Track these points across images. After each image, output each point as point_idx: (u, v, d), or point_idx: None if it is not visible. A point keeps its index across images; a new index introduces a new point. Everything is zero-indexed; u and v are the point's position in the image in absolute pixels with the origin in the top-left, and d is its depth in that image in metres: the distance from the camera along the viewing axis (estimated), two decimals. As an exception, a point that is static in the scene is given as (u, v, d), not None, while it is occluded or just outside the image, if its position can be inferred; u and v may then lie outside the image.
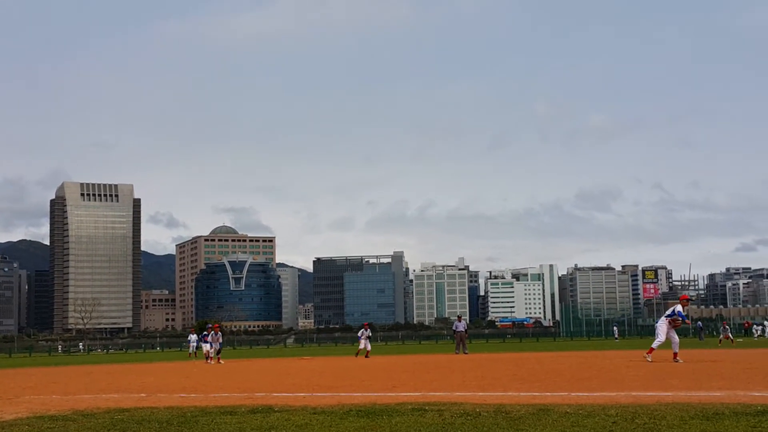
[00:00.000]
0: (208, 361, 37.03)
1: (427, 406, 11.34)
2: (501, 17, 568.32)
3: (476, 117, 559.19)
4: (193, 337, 55.61)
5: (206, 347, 38.40)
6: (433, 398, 12.81)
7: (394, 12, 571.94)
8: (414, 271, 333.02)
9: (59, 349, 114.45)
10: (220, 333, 38.40)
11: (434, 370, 24.05)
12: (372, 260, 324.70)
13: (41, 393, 15.92)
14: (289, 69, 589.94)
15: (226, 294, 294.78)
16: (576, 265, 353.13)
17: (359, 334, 43.48)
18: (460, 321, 42.36)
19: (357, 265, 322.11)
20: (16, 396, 15.58)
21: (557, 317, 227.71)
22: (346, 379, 19.57)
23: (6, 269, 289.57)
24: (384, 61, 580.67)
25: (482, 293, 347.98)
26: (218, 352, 37.64)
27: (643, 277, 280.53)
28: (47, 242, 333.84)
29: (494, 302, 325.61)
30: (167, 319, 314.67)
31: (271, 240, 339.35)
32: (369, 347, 41.02)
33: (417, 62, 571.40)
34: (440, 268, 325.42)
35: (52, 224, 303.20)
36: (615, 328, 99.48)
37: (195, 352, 52.19)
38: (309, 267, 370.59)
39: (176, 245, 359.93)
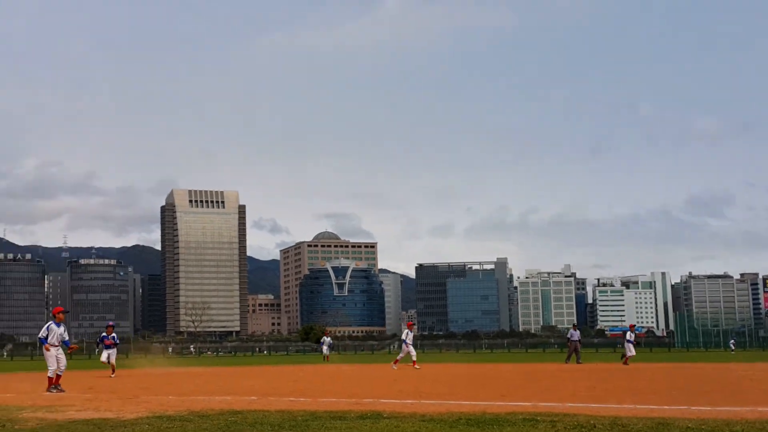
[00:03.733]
0: None
1: (538, 416, 11.09)
2: (603, 18, 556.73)
3: (578, 120, 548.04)
4: (327, 339, 55.81)
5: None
6: (544, 408, 12.53)
7: (492, 18, 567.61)
8: (518, 278, 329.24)
9: (170, 350, 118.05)
10: None
11: (544, 379, 23.62)
12: (475, 266, 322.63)
13: (158, 393, 16.38)
14: (389, 76, 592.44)
15: (329, 299, 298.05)
16: (690, 272, 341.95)
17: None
18: (575, 330, 41.47)
19: (460, 271, 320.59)
20: (135, 396, 16.07)
21: (671, 327, 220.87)
22: (453, 387, 19.41)
23: (121, 273, 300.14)
24: (482, 65, 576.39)
25: (590, 301, 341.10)
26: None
27: (764, 285, 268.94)
28: (158, 247, 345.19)
29: (603, 310, 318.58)
30: (273, 324, 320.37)
31: (373, 246, 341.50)
32: (328, 353, 41.15)
33: (517, 66, 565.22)
34: (546, 275, 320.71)
35: (162, 230, 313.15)
36: (732, 339, 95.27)
37: (327, 356, 52.48)
38: (410, 273, 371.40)
39: (280, 251, 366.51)
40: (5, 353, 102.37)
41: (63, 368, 18.05)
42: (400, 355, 35.30)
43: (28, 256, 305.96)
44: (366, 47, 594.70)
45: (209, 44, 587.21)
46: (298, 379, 24.64)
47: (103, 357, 26.44)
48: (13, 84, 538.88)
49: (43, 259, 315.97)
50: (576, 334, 40.42)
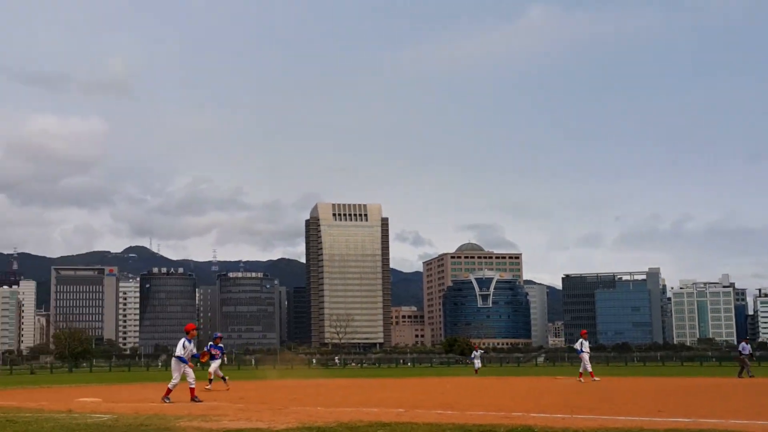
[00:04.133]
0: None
1: (700, 433, 10.51)
2: (755, 15, 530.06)
3: (736, 124, 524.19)
4: (477, 353, 55.76)
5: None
6: (706, 425, 11.85)
7: (636, 20, 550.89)
8: (672, 288, 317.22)
9: (314, 362, 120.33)
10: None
11: (703, 394, 22.50)
12: (625, 277, 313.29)
13: (306, 404, 16.59)
14: (531, 85, 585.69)
15: (473, 311, 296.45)
16: None
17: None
18: (747, 343, 40.08)
19: (609, 282, 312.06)
20: (285, 407, 16.33)
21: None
22: (604, 401, 18.75)
23: (268, 286, 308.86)
24: (630, 69, 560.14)
25: (750, 312, 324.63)
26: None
27: None
28: (303, 260, 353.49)
29: (765, 322, 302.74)
30: (416, 335, 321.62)
31: (517, 257, 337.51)
32: (479, 366, 40.85)
33: (666, 68, 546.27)
34: (702, 285, 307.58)
35: (307, 243, 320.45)
36: None
37: (477, 369, 52.27)
38: (557, 284, 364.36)
39: (423, 262, 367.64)
40: (160, 363, 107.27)
41: (192, 380, 19.04)
42: (583, 366, 33.71)
43: (181, 270, 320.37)
44: (509, 55, 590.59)
45: (347, 59, 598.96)
46: (445, 392, 24.48)
47: (212, 367, 26.35)
48: (166, 107, 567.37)
49: (194, 272, 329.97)
50: (747, 348, 39.14)
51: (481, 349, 59.00)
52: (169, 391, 18.65)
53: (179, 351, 19.01)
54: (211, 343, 26.65)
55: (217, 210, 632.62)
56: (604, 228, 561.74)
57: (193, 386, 18.71)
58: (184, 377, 18.98)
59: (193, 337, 19.44)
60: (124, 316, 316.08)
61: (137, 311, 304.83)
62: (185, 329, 19.66)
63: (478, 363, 53.33)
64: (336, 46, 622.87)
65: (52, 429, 11.52)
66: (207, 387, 23.98)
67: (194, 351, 19.72)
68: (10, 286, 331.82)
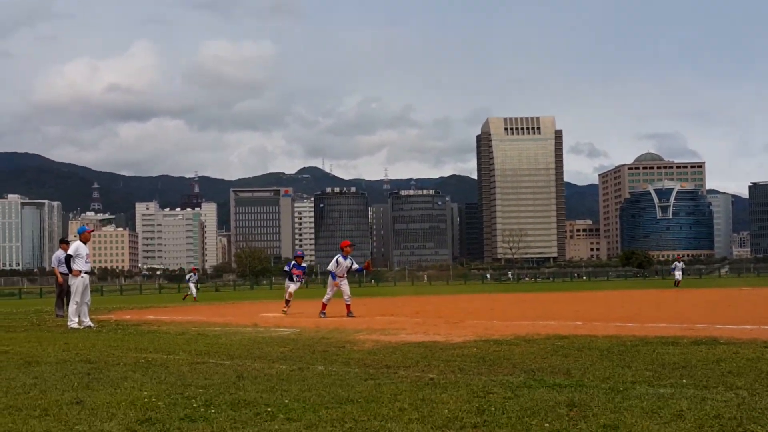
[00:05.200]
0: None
1: None
2: None
3: None
4: (679, 264, 50.50)
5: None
6: None
7: None
8: None
9: (488, 277, 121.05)
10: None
11: None
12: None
13: (482, 318, 16.73)
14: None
15: (652, 223, 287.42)
16: None
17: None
18: None
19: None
20: (461, 320, 16.55)
21: None
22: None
23: (439, 203, 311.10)
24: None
25: None
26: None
27: None
28: (474, 176, 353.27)
29: None
30: (591, 249, 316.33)
31: (699, 165, 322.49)
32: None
33: None
34: None
35: (478, 159, 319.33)
36: None
37: (678, 282, 48.13)
38: (743, 193, 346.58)
39: (599, 175, 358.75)
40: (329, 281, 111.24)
41: (348, 297, 19.08)
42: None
43: (353, 189, 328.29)
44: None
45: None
46: (623, 305, 24.04)
47: (292, 288, 22.92)
48: (334, 28, 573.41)
49: (366, 191, 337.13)
50: None
51: (683, 261, 54.33)
52: (323, 305, 19.13)
53: (331, 266, 19.41)
54: (293, 261, 23.72)
55: (388, 128, 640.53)
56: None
57: (348, 302, 19.05)
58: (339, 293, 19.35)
59: (348, 254, 19.45)
60: (300, 235, 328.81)
61: (312, 230, 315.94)
62: (341, 246, 19.88)
63: (678, 275, 49.07)
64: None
65: (240, 342, 12.23)
66: (284, 309, 21.67)
67: (353, 265, 19.49)
68: (193, 209, 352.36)
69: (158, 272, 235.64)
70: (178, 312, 24.69)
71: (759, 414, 5.58)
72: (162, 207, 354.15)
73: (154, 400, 6.70)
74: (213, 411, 6.15)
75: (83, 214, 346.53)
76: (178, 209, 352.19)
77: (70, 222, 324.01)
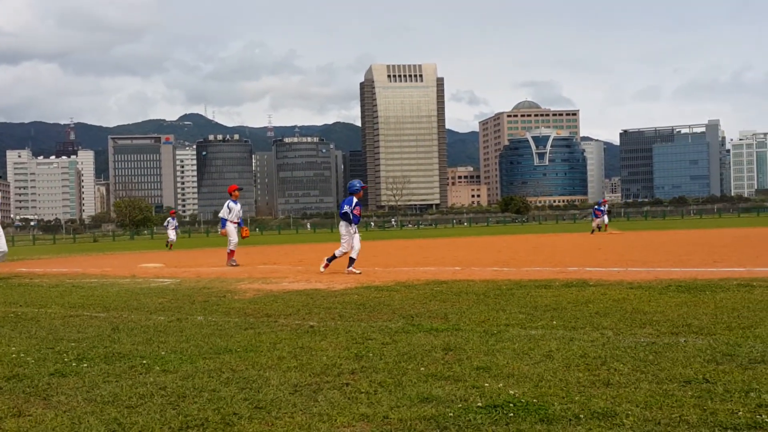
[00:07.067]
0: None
1: (754, 281, 10.48)
2: None
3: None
4: (603, 208, 43.24)
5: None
6: (760, 274, 11.80)
7: None
8: (731, 140, 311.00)
9: (372, 224, 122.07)
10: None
11: (759, 244, 22.31)
12: (684, 130, 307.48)
13: (364, 266, 16.87)
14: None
15: (529, 169, 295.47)
16: None
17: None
18: None
19: (667, 135, 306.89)
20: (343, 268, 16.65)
21: None
22: (660, 254, 18.73)
23: (324, 150, 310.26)
24: None
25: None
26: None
27: None
28: (358, 123, 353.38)
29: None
30: (473, 196, 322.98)
31: (574, 113, 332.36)
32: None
33: None
34: (761, 136, 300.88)
35: (362, 106, 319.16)
36: None
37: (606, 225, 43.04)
38: (614, 140, 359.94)
39: (479, 122, 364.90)
40: (219, 230, 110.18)
41: (233, 245, 19.01)
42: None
43: (236, 136, 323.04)
44: None
45: None
46: (501, 250, 24.70)
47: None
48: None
49: (250, 139, 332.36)
50: None
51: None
52: (230, 253, 18.93)
53: (223, 213, 19.27)
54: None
55: (271, 75, 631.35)
56: (662, 81, 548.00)
57: (233, 249, 18.91)
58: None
59: (236, 198, 19.50)
60: (182, 183, 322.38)
61: (195, 178, 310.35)
62: (228, 190, 19.74)
63: (606, 218, 43.35)
64: None
65: (117, 294, 11.96)
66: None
67: (241, 214, 19.68)
68: (69, 156, 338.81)
69: (32, 223, 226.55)
70: (52, 264, 23.90)
71: (622, 353, 5.87)
72: (35, 155, 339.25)
73: (22, 355, 6.49)
74: (85, 365, 6.01)
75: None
76: (53, 157, 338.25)
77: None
